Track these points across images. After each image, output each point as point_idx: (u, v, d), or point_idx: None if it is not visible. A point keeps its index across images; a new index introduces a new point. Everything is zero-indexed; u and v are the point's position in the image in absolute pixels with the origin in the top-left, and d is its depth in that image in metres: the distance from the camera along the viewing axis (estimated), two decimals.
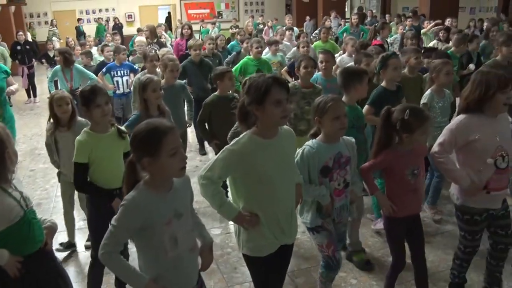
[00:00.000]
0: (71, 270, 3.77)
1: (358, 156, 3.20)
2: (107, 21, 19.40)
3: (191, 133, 6.59)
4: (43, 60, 10.50)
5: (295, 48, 7.42)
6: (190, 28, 8.94)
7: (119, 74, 6.81)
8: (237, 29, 12.03)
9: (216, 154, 2.48)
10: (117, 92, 6.82)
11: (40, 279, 2.38)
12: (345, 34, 10.77)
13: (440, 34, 8.74)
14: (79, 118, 3.73)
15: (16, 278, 2.24)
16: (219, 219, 4.38)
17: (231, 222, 3.15)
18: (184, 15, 21.54)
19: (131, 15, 21.08)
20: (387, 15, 17.02)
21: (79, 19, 19.31)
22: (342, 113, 2.72)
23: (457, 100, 4.69)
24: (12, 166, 2.27)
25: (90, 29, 18.57)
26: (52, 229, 2.54)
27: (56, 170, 3.99)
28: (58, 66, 6.93)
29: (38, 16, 20.30)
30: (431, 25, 9.70)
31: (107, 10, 20.85)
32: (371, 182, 2.98)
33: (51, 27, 17.80)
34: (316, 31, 10.59)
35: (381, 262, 3.67)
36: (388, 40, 9.03)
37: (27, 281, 2.31)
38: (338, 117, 2.69)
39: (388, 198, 2.89)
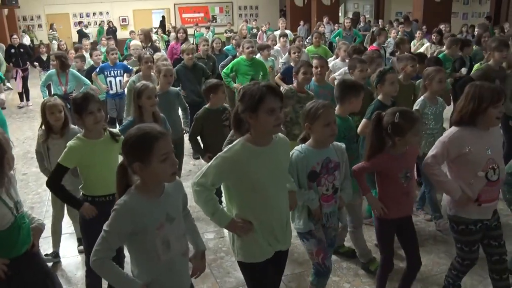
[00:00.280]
0: (63, 275, 3.75)
1: (351, 165, 3.21)
2: (101, 25, 19.40)
3: (185, 138, 6.58)
4: (36, 64, 10.49)
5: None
6: (185, 32, 8.96)
7: (112, 74, 6.84)
8: (232, 33, 12.07)
9: None
10: (110, 92, 6.86)
11: (27, 281, 2.38)
12: (337, 38, 10.83)
13: (433, 37, 8.82)
14: (72, 126, 3.69)
15: (2, 280, 2.24)
16: (212, 223, 4.37)
17: None
18: (178, 19, 21.57)
19: (125, 18, 21.08)
20: (380, 20, 17.12)
21: (80, 22, 19.32)
22: (333, 120, 2.73)
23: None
24: (9, 171, 2.28)
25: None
26: (39, 230, 2.54)
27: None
28: (53, 70, 6.91)
29: (32, 19, 20.25)
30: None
31: (101, 13, 20.85)
32: (363, 184, 3.00)
33: (51, 30, 17.77)
34: (310, 37, 10.63)
35: None
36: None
37: (15, 283, 2.31)
38: (328, 124, 2.69)
39: (380, 200, 2.91)
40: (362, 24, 15.73)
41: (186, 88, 6.22)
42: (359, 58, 5.03)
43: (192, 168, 6.07)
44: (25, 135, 8.21)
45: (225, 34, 16.34)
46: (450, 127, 2.94)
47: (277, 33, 9.91)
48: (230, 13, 22.63)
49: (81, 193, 3.05)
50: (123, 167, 2.02)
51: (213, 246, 4.07)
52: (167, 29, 18.94)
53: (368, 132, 2.98)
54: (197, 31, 16.35)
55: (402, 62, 4.82)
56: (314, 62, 4.96)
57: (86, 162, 2.95)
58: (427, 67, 4.58)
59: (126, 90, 6.15)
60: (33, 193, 5.50)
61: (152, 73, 5.68)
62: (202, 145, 4.49)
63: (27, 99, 11.02)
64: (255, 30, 15.84)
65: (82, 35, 17.65)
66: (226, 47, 9.10)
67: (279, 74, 6.57)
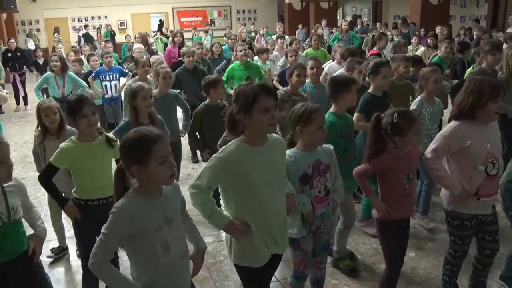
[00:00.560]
0: (61, 279, 3.75)
1: (350, 164, 3.21)
2: (99, 28, 19.39)
3: (184, 141, 6.58)
4: (33, 68, 10.49)
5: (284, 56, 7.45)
6: (182, 36, 8.98)
7: (107, 78, 6.86)
8: (232, 36, 12.03)
9: None
10: (106, 96, 6.88)
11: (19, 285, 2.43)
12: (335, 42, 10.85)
13: (429, 41, 8.83)
14: (69, 127, 3.69)
15: None
16: (211, 226, 4.32)
17: None
18: (177, 23, 21.61)
19: (123, 22, 21.09)
20: (378, 24, 17.15)
21: (85, 26, 19.36)
22: (324, 123, 2.76)
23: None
24: (7, 179, 2.33)
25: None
26: (39, 238, 2.57)
27: None
28: (49, 73, 6.92)
29: (30, 24, 20.24)
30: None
31: (99, 17, 20.85)
32: (365, 185, 3.00)
33: (56, 34, 17.78)
34: (308, 39, 10.65)
35: (373, 269, 3.68)
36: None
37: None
38: (320, 127, 2.70)
39: (382, 201, 2.92)
40: (359, 27, 15.74)
41: (187, 91, 6.22)
42: (357, 60, 5.03)
43: (191, 172, 6.07)
44: (23, 139, 8.20)
45: (225, 38, 16.36)
46: (449, 121, 2.96)
47: (275, 37, 9.93)
48: (228, 17, 22.67)
49: (74, 196, 3.03)
50: (121, 170, 2.02)
51: (212, 250, 4.06)
52: (163, 33, 18.96)
53: (369, 130, 2.97)
54: (195, 35, 16.37)
55: (395, 62, 4.82)
56: (309, 63, 4.95)
57: (77, 165, 2.94)
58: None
59: (122, 94, 6.15)
60: (32, 197, 5.36)
61: (148, 76, 5.68)
62: (201, 142, 4.50)
63: (25, 103, 11.01)
64: (253, 34, 15.86)
65: (87, 38, 17.66)
66: (223, 46, 9.07)
67: (276, 77, 6.58)
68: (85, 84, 6.80)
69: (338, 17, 20.16)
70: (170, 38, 10.24)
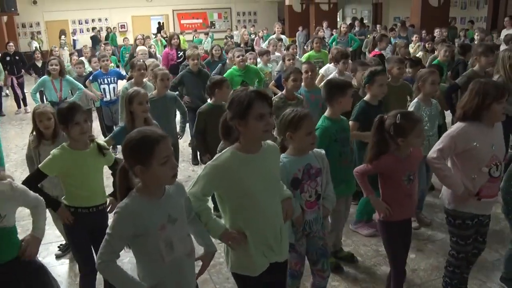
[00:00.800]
0: (65, 280, 3.75)
1: (347, 168, 3.20)
2: (99, 31, 19.44)
3: (183, 143, 6.60)
4: (31, 71, 10.49)
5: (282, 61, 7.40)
6: (178, 38, 9.04)
7: (105, 81, 6.87)
8: (231, 40, 12.08)
9: None
10: (104, 99, 6.89)
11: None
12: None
13: (426, 45, 8.83)
14: (64, 133, 3.70)
15: None
16: None
17: None
18: (177, 25, 21.65)
19: (124, 25, 21.15)
20: (378, 26, 17.17)
21: (93, 28, 19.36)
22: (314, 128, 2.76)
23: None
24: None
25: (85, 39, 18.54)
26: (35, 239, 2.57)
27: None
28: (46, 76, 6.85)
29: (31, 26, 20.31)
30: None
31: (99, 20, 20.92)
32: (366, 184, 3.00)
33: (63, 36, 17.82)
34: (310, 41, 10.66)
35: (373, 271, 3.68)
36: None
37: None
38: (310, 133, 2.69)
39: (382, 202, 2.93)
40: (357, 29, 15.74)
41: (191, 94, 6.23)
42: (361, 61, 5.01)
43: (191, 174, 6.07)
44: (24, 141, 8.14)
45: (225, 40, 16.38)
46: (454, 123, 2.99)
47: (273, 37, 9.93)
48: (228, 19, 22.73)
49: (64, 203, 2.99)
50: (124, 170, 2.04)
51: None
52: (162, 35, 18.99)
53: (371, 133, 2.97)
54: (196, 37, 16.40)
55: (389, 63, 4.82)
56: (304, 66, 4.94)
57: (67, 172, 2.92)
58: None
59: (120, 97, 6.15)
60: None
61: (144, 80, 5.68)
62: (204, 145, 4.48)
63: (25, 104, 11.01)
64: (253, 36, 15.91)
65: (95, 40, 17.68)
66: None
67: (273, 81, 6.51)
68: (82, 86, 6.79)
69: (338, 19, 20.18)
70: (168, 40, 10.27)
